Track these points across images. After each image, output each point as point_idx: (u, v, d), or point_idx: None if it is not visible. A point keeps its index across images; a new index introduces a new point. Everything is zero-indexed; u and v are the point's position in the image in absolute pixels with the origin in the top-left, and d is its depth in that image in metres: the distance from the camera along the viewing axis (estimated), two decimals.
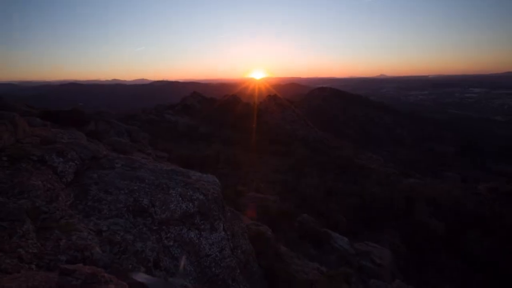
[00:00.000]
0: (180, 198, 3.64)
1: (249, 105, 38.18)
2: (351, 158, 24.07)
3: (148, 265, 2.77)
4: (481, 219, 13.22)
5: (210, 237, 3.72)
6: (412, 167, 32.62)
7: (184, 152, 16.63)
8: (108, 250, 2.58)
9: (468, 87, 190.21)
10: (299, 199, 12.96)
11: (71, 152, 3.73)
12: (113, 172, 3.81)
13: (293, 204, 11.45)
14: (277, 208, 9.75)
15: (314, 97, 69.96)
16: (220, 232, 3.88)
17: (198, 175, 4.47)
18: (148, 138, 10.71)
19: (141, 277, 1.94)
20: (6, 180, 2.83)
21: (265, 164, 18.43)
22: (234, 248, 4.31)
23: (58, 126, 5.75)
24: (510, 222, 12.58)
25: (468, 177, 30.50)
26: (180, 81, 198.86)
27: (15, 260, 1.99)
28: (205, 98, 39.38)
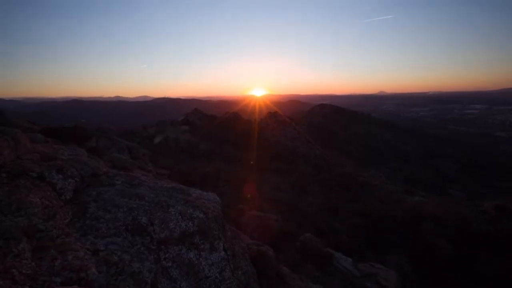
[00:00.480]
0: (180, 217, 3.56)
1: (250, 122, 38.49)
2: (354, 175, 23.86)
3: (146, 287, 2.65)
4: (490, 238, 12.85)
5: (210, 257, 3.60)
6: (416, 184, 32.25)
7: (185, 169, 16.56)
8: (104, 271, 2.49)
9: (468, 103, 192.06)
10: (301, 218, 12.71)
11: (71, 169, 3.70)
12: (113, 190, 3.75)
13: (295, 223, 11.21)
14: (278, 227, 9.54)
15: (314, 114, 70.64)
16: (220, 252, 3.76)
17: (199, 193, 4.41)
18: (149, 154, 10.70)
19: None
20: (4, 197, 2.79)
21: (266, 181, 18.26)
22: (235, 269, 4.16)
23: (59, 142, 5.77)
24: None
25: (473, 195, 30.04)
26: (181, 98, 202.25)
27: (8, 282, 1.91)
28: (206, 115, 39.82)
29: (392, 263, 10.30)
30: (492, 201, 17.06)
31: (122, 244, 2.90)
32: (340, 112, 73.51)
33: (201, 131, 32.83)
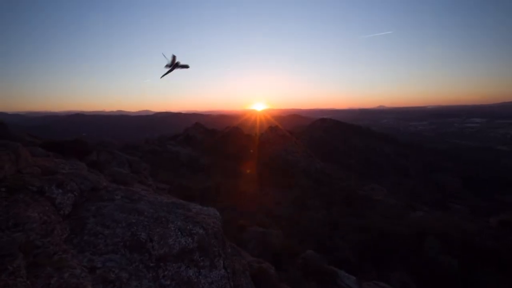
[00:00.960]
0: (179, 232, 3.50)
1: (251, 137, 38.61)
2: (355, 189, 23.64)
3: None
4: (495, 254, 12.53)
5: (210, 275, 3.50)
6: (417, 198, 31.88)
7: (185, 183, 16.45)
8: None
9: (468, 117, 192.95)
10: (303, 233, 12.48)
11: (71, 183, 3.68)
12: (112, 204, 3.71)
13: (296, 239, 11.00)
14: (280, 243, 9.35)
15: (315, 128, 70.98)
16: (220, 270, 3.66)
17: (199, 208, 4.35)
18: (149, 169, 10.65)
19: None
20: (2, 212, 2.75)
21: (267, 196, 18.08)
22: None
23: (60, 156, 5.76)
24: None
25: (476, 209, 29.60)
26: (182, 112, 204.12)
27: None
28: (207, 130, 40.01)
29: (395, 281, 10.00)
30: (496, 216, 16.79)
31: (120, 261, 2.84)
32: (340, 126, 73.85)
33: (201, 145, 32.88)
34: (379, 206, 19.60)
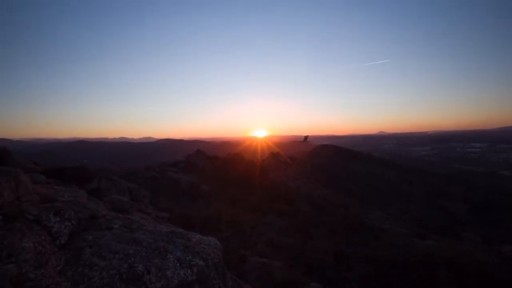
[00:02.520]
0: (178, 264, 3.36)
1: (252, 163, 38.51)
2: (360, 217, 23.01)
3: None
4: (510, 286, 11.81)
5: None
6: (425, 226, 30.84)
7: (185, 211, 16.12)
8: None
9: (469, 142, 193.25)
10: (307, 265, 11.91)
11: (69, 211, 3.61)
12: (110, 234, 3.61)
13: (299, 271, 10.48)
14: (282, 275, 8.90)
15: (316, 155, 70.87)
16: None
17: (199, 238, 4.22)
18: (150, 196, 10.51)
19: None
20: None
21: (269, 224, 17.59)
22: None
23: (61, 183, 5.72)
24: None
25: (488, 237, 28.46)
26: (184, 139, 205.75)
27: None
28: (209, 156, 40.04)
29: None
30: (509, 245, 16.09)
31: None
32: (342, 152, 73.73)
33: (203, 172, 32.72)
34: (385, 234, 18.91)
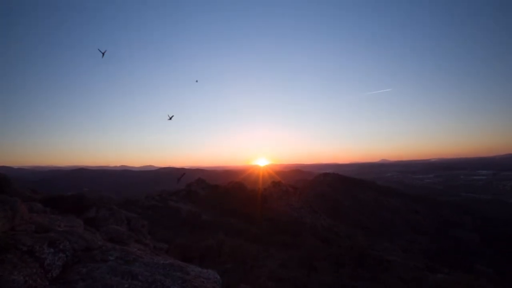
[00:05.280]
0: None
1: (254, 192, 37.92)
2: (367, 249, 22.04)
3: None
4: None
5: None
6: (436, 258, 29.37)
7: (185, 241, 15.55)
8: None
9: (473, 169, 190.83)
10: None
11: (64, 242, 3.48)
12: (105, 266, 3.44)
13: None
14: None
15: (319, 183, 69.99)
16: None
17: (198, 271, 4.01)
18: (149, 226, 10.21)
19: None
20: None
21: (271, 257, 16.83)
22: None
23: (58, 212, 5.61)
24: None
25: (502, 270, 26.87)
26: (185, 167, 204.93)
27: None
28: (210, 185, 39.59)
29: None
30: None
31: None
32: (344, 181, 72.80)
33: (204, 201, 32.13)
34: (394, 267, 17.95)
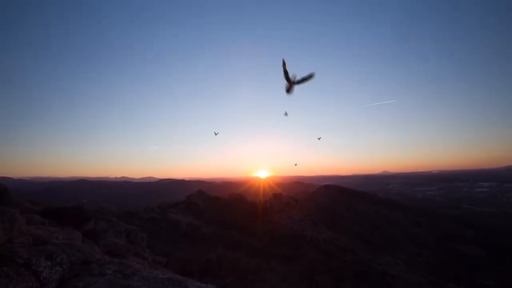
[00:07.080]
0: None
1: (254, 204, 37.55)
2: (369, 263, 21.58)
3: None
4: None
5: None
6: (440, 273, 28.67)
7: (184, 255, 15.26)
8: None
9: (475, 181, 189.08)
10: None
11: (61, 255, 3.43)
12: (102, 280, 3.37)
13: None
14: None
15: (319, 195, 69.33)
16: None
17: (197, 285, 3.93)
18: (147, 238, 10.06)
19: None
20: None
21: (272, 271, 16.48)
22: None
23: (56, 224, 5.55)
24: None
25: (506, 283, 26.13)
26: (186, 179, 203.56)
27: None
28: (210, 197, 39.24)
29: None
30: None
31: None
32: (345, 193, 72.15)
33: (204, 213, 31.76)
34: (397, 282, 17.51)
